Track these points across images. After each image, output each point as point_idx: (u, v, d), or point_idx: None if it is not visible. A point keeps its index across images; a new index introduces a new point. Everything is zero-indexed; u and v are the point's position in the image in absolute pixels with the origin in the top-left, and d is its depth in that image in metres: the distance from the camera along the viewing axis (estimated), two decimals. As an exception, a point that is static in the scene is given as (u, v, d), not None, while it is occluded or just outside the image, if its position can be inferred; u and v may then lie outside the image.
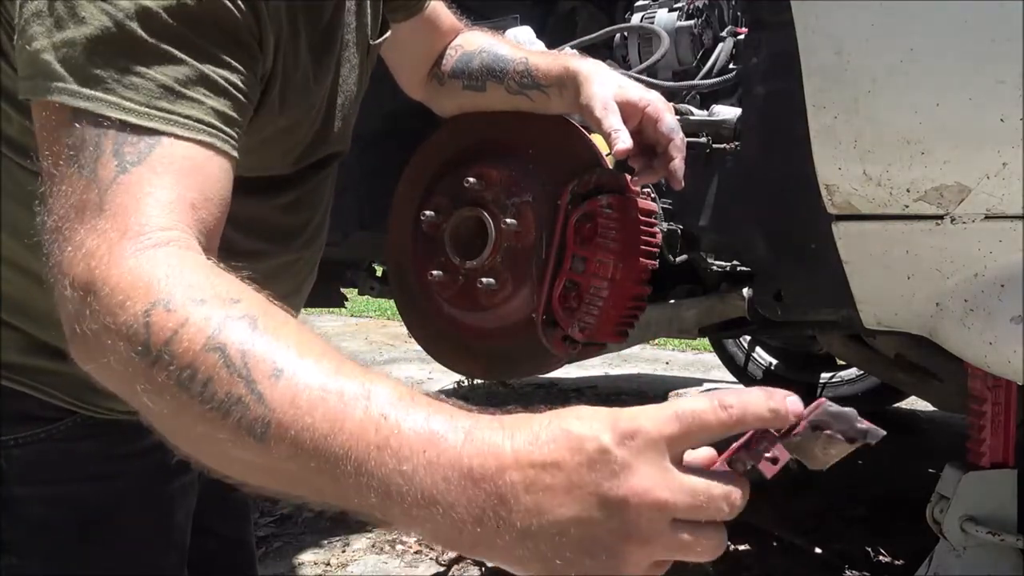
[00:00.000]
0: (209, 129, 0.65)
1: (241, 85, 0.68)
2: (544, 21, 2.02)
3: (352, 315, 6.18)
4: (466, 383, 3.98)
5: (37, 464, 0.82)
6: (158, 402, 0.54)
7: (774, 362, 3.49)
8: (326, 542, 2.33)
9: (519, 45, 1.14)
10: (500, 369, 1.26)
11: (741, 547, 2.24)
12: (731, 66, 1.51)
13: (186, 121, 0.64)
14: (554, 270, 1.10)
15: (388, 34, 0.99)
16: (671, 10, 1.64)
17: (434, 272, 1.16)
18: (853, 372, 3.29)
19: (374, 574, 2.15)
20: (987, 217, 1.08)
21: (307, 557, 2.24)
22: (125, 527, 0.86)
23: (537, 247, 1.11)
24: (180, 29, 0.64)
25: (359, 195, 1.82)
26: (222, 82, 0.66)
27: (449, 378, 3.94)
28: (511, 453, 0.51)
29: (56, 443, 0.82)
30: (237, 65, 0.68)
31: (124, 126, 0.62)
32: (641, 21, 1.65)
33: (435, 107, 1.19)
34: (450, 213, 1.17)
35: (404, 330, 1.36)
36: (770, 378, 3.49)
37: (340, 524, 2.44)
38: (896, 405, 3.40)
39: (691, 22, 1.60)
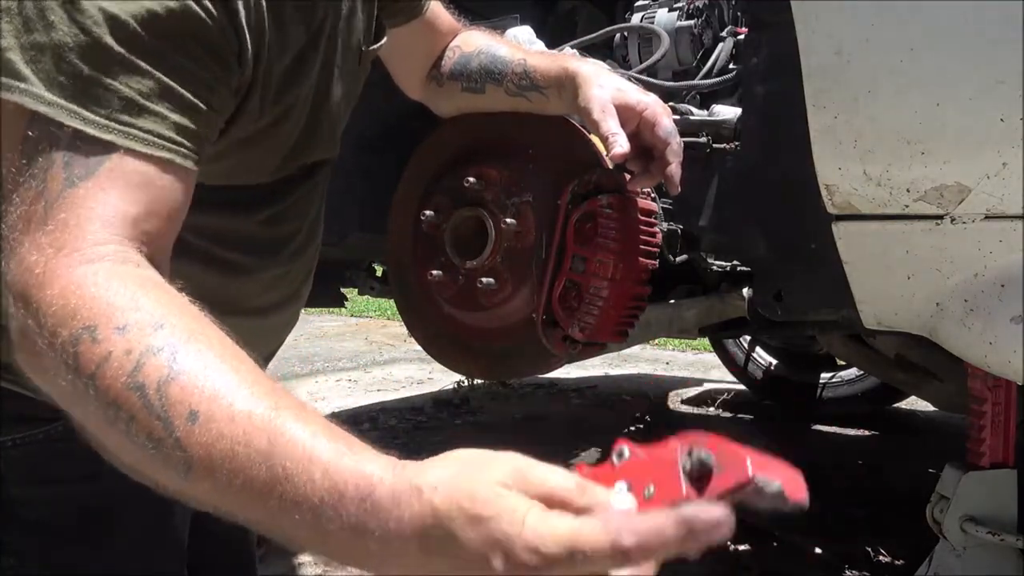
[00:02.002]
0: (168, 144, 0.65)
1: (210, 98, 0.68)
2: (544, 21, 2.02)
3: (352, 315, 6.18)
4: (466, 383, 3.98)
5: (35, 465, 0.82)
6: (87, 421, 0.57)
7: (774, 362, 3.49)
8: (326, 542, 2.32)
9: (518, 46, 1.14)
10: (500, 369, 1.26)
11: (741, 547, 2.24)
12: (731, 66, 1.51)
13: (145, 136, 0.63)
14: (554, 270, 1.10)
15: (384, 41, 0.99)
16: (671, 10, 1.64)
17: (434, 272, 1.16)
18: (853, 372, 3.29)
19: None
20: (987, 217, 1.08)
21: (307, 557, 2.24)
22: (123, 527, 0.86)
23: (537, 247, 1.11)
24: (150, 40, 0.64)
25: (359, 196, 1.82)
26: (188, 96, 0.66)
27: (449, 378, 3.94)
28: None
29: (54, 443, 0.82)
30: (207, 77, 0.67)
31: (78, 136, 0.62)
32: (641, 21, 1.65)
33: (433, 108, 1.19)
34: (450, 213, 1.17)
35: (404, 330, 1.36)
36: (770, 378, 3.50)
37: (340, 524, 2.44)
38: (896, 405, 3.40)
39: (691, 22, 1.60)
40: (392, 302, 1.88)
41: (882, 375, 2.45)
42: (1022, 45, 0.98)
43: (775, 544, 2.26)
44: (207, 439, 0.52)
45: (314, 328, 5.85)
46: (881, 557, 2.15)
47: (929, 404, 2.56)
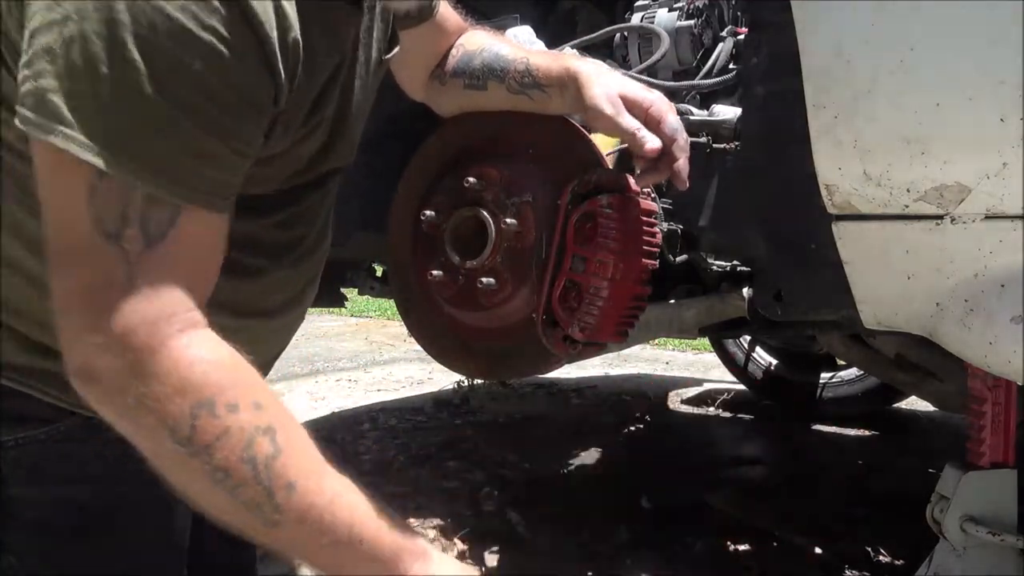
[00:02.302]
0: (213, 198, 0.70)
1: (247, 147, 0.72)
2: (544, 21, 2.02)
3: (352, 315, 6.18)
4: (466, 383, 3.98)
5: (36, 465, 0.82)
6: (182, 475, 0.69)
7: (774, 362, 3.49)
8: (326, 542, 2.32)
9: (520, 45, 1.15)
10: (500, 369, 1.26)
11: (741, 547, 2.24)
12: (731, 66, 1.51)
13: (192, 194, 0.68)
14: (554, 270, 1.10)
15: (397, 48, 0.99)
16: (671, 10, 1.64)
17: (434, 272, 1.16)
18: (853, 372, 3.29)
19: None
20: (987, 217, 1.08)
21: (307, 557, 2.24)
22: (124, 528, 0.86)
23: (537, 247, 1.11)
24: (196, 97, 0.66)
25: (360, 195, 1.82)
26: (228, 152, 0.70)
27: (449, 378, 3.94)
28: None
29: (55, 444, 0.82)
30: (245, 126, 0.71)
31: (150, 198, 0.66)
32: (641, 21, 1.65)
33: (435, 107, 1.18)
34: (450, 213, 1.17)
35: (404, 330, 1.36)
36: (770, 378, 3.50)
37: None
38: (896, 405, 3.40)
39: (691, 22, 1.60)
40: (392, 302, 1.88)
41: (882, 375, 2.45)
42: (1022, 45, 0.98)
43: (775, 544, 2.26)
44: (301, 506, 0.70)
45: (314, 328, 5.85)
46: (881, 557, 2.15)
47: (929, 404, 2.56)
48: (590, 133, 1.12)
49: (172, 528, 0.92)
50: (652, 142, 0.98)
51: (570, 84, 1.03)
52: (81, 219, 0.66)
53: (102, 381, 0.68)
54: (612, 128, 1.00)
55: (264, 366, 0.98)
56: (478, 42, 1.12)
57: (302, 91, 0.77)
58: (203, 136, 0.68)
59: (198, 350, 0.68)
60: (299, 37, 0.73)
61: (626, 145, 1.31)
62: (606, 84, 1.01)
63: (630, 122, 0.99)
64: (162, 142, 0.66)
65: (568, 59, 1.06)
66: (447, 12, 1.10)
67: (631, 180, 1.08)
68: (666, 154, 1.01)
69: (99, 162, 0.64)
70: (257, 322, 0.92)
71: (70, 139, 0.64)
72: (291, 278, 0.95)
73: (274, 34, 0.69)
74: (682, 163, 1.01)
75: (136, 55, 0.64)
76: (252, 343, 0.90)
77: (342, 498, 0.73)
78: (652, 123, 1.01)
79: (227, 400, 0.68)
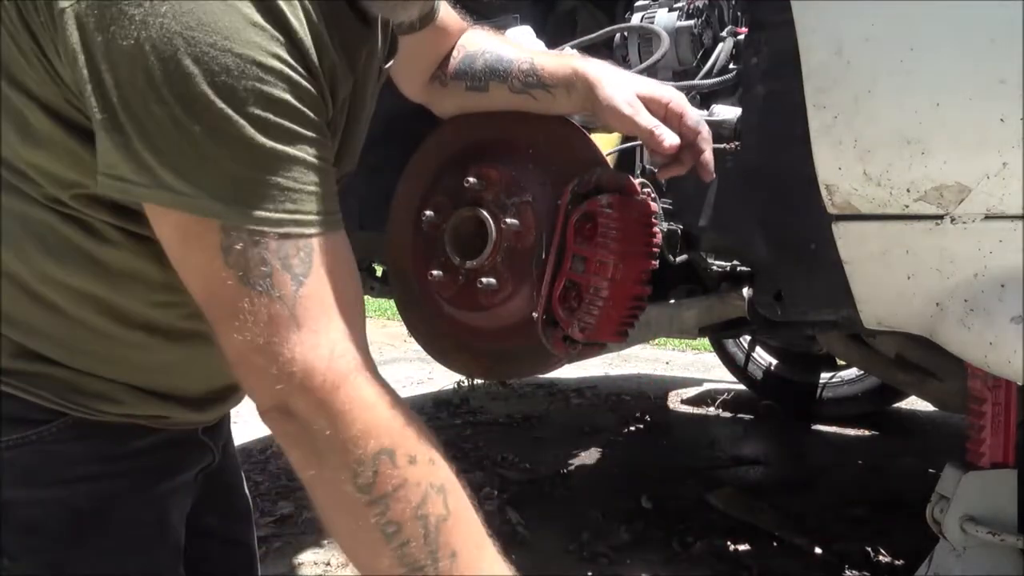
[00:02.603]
0: (329, 217, 0.71)
1: (330, 158, 0.73)
2: (544, 21, 2.02)
3: (352, 315, 6.17)
4: (466, 383, 3.98)
5: (29, 467, 0.82)
6: (352, 523, 0.69)
7: (774, 362, 3.49)
8: (326, 542, 2.32)
9: (523, 46, 1.14)
10: (500, 369, 1.26)
11: (741, 547, 2.24)
12: (731, 66, 1.51)
13: (313, 218, 0.69)
14: (554, 270, 1.10)
15: (397, 55, 1.00)
16: (671, 10, 1.64)
17: (434, 272, 1.16)
18: (853, 372, 3.29)
19: (374, 574, 2.15)
20: (987, 217, 1.08)
21: (307, 557, 2.24)
22: (118, 528, 0.86)
23: (537, 247, 1.11)
24: (288, 126, 0.67)
25: (359, 195, 1.82)
26: (324, 165, 0.71)
27: (449, 378, 3.94)
28: None
29: (47, 445, 0.82)
30: (325, 141, 0.72)
31: (284, 237, 0.67)
32: (641, 21, 1.65)
33: (435, 108, 1.18)
34: (450, 213, 1.17)
35: (404, 330, 1.36)
36: (770, 378, 3.50)
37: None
38: (896, 405, 3.40)
39: (691, 22, 1.60)
40: (392, 302, 1.89)
41: (882, 375, 2.45)
42: (1022, 45, 0.98)
43: (775, 544, 2.26)
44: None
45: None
46: (881, 557, 2.15)
47: (929, 404, 2.56)
48: (590, 133, 1.12)
49: (167, 527, 0.92)
50: (671, 139, 0.99)
51: (579, 84, 1.03)
52: (227, 278, 0.67)
53: (297, 418, 0.69)
54: (631, 127, 1.00)
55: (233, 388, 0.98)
56: (480, 43, 1.12)
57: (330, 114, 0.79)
58: (311, 163, 0.69)
59: (372, 392, 0.70)
60: (334, 60, 0.74)
61: (626, 145, 1.31)
62: (621, 84, 1.01)
63: (648, 120, 0.99)
64: (277, 181, 0.67)
65: (575, 60, 1.06)
66: (447, 14, 1.10)
67: (631, 180, 1.08)
68: (690, 147, 1.02)
69: (224, 219, 0.65)
70: None
71: (189, 201, 0.65)
72: None
73: (313, 53, 0.70)
74: (708, 154, 1.02)
75: (218, 102, 0.63)
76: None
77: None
78: (673, 118, 1.01)
79: (407, 451, 0.69)
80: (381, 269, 2.31)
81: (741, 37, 1.45)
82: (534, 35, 1.48)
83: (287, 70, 0.66)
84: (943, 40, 1.03)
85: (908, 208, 1.12)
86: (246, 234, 0.66)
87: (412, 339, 1.31)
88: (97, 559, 0.84)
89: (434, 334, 1.27)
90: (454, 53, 1.12)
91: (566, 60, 1.06)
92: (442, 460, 0.72)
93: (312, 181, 0.69)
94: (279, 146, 0.66)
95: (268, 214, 0.66)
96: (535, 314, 1.10)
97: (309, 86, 0.69)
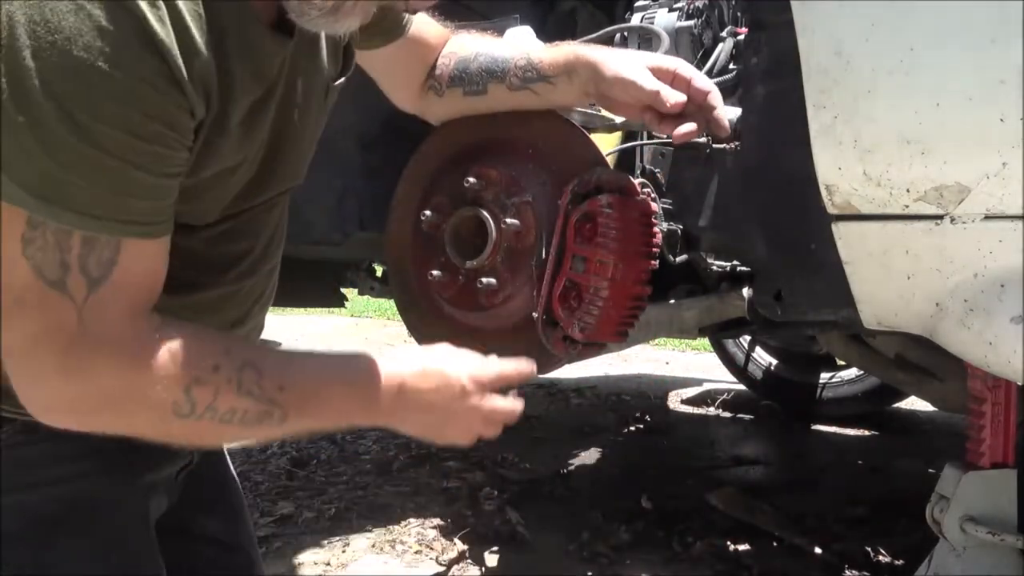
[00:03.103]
0: (149, 228, 0.73)
1: (175, 168, 0.74)
2: (544, 21, 2.02)
3: (352, 315, 6.18)
4: (466, 383, 3.97)
5: None
6: (196, 436, 0.80)
7: (774, 362, 3.49)
8: (326, 542, 2.33)
9: (515, 45, 1.14)
10: (500, 369, 1.26)
11: (741, 547, 2.24)
12: (731, 66, 1.51)
13: (127, 228, 0.70)
14: (554, 270, 1.10)
15: (379, 70, 1.03)
16: (671, 10, 1.64)
17: (434, 272, 1.16)
18: (853, 372, 3.29)
19: (374, 574, 2.15)
20: (987, 217, 1.08)
21: (307, 557, 2.24)
22: (91, 528, 0.86)
23: (537, 247, 1.11)
24: (116, 133, 0.67)
25: (359, 195, 1.82)
26: (157, 179, 0.71)
27: (449, 378, 3.93)
28: (408, 381, 0.86)
29: (6, 451, 0.81)
30: (169, 151, 0.72)
31: (84, 239, 0.68)
32: (641, 21, 1.65)
33: (432, 118, 1.18)
34: (450, 213, 1.17)
35: (404, 330, 1.36)
36: (770, 378, 3.50)
37: (340, 524, 2.45)
38: (896, 405, 3.40)
39: (691, 22, 1.60)
40: (392, 302, 1.89)
41: (882, 375, 2.45)
42: (1022, 45, 0.98)
43: (775, 544, 2.26)
44: (296, 398, 0.79)
45: (314, 328, 5.84)
46: (881, 557, 2.15)
47: (929, 404, 2.56)
48: (590, 133, 1.12)
49: (137, 526, 0.91)
50: (676, 97, 1.00)
51: (580, 69, 1.03)
52: (22, 269, 0.68)
53: (79, 411, 0.73)
54: (636, 92, 1.00)
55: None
56: (471, 47, 1.12)
57: (225, 116, 0.77)
58: (131, 170, 0.68)
59: (163, 344, 0.73)
60: (209, 60, 0.73)
61: (627, 145, 1.32)
62: (626, 57, 1.02)
63: (653, 83, 1.00)
64: (89, 184, 0.67)
65: (573, 46, 1.06)
66: (425, 24, 1.10)
67: (631, 180, 1.08)
68: (702, 106, 1.03)
69: (30, 211, 0.66)
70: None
71: (11, 196, 0.66)
72: (234, 296, 0.93)
73: (179, 58, 0.69)
74: (720, 111, 1.03)
75: (45, 100, 0.64)
76: None
77: (320, 372, 0.84)
78: (681, 83, 1.02)
79: (207, 366, 0.75)
80: (381, 269, 2.31)
81: (741, 37, 1.45)
82: (534, 35, 1.48)
83: (129, 79, 0.66)
84: (943, 40, 1.03)
85: (908, 208, 1.12)
86: (51, 230, 0.67)
87: (412, 339, 1.31)
88: (72, 559, 0.84)
89: (434, 334, 1.26)
90: (445, 61, 1.12)
91: (564, 48, 1.06)
92: (235, 341, 0.83)
93: (131, 188, 0.69)
94: (100, 152, 0.66)
95: (74, 212, 0.67)
96: (535, 314, 1.10)
97: (156, 93, 0.68)
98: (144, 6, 0.66)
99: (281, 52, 0.83)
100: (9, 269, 0.68)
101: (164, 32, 0.68)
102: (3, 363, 0.72)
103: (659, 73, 1.02)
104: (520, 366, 0.93)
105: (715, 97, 1.03)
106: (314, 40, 0.89)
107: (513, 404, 0.91)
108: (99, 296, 0.70)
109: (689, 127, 1.02)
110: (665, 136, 1.05)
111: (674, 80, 1.02)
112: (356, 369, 0.85)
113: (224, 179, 0.83)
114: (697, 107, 1.03)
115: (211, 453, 1.08)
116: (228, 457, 1.15)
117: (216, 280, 0.90)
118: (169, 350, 0.74)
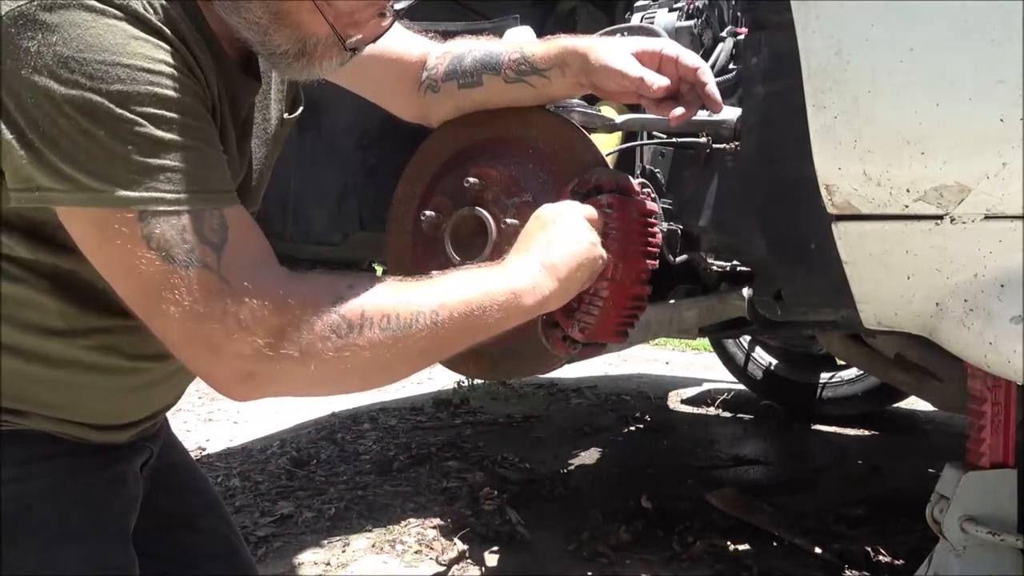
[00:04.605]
0: (229, 193, 0.80)
1: (219, 144, 0.81)
2: (544, 21, 2.02)
3: (352, 315, 6.17)
4: (466, 383, 3.98)
5: None
6: (373, 357, 0.80)
7: (774, 362, 3.49)
8: (326, 542, 2.33)
9: (509, 41, 1.15)
10: (500, 369, 1.26)
11: (741, 547, 2.24)
12: (731, 66, 1.51)
13: (217, 194, 0.77)
14: (554, 270, 1.09)
15: (301, 109, 1.08)
16: (671, 10, 1.64)
17: (434, 272, 1.16)
18: (853, 372, 3.29)
19: (374, 574, 2.15)
20: (987, 217, 1.08)
21: (307, 557, 2.24)
22: (51, 524, 0.87)
23: (537, 247, 1.10)
24: (179, 119, 0.74)
25: (359, 195, 1.82)
26: (214, 150, 0.79)
27: (449, 378, 3.94)
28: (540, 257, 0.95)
29: None
30: (213, 129, 0.80)
31: (192, 214, 0.74)
32: (641, 21, 1.65)
33: (431, 119, 1.19)
34: (450, 213, 1.17)
35: (404, 330, 1.36)
36: (770, 378, 3.50)
37: (340, 524, 2.45)
38: (896, 405, 3.40)
39: (691, 22, 1.60)
40: (392, 302, 1.89)
41: (882, 375, 2.45)
42: (1022, 45, 0.98)
43: (775, 544, 2.26)
44: (452, 310, 0.85)
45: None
46: (881, 557, 2.15)
47: (929, 404, 2.56)
48: (590, 133, 1.12)
49: (108, 514, 0.93)
50: (660, 80, 1.00)
51: (571, 60, 1.03)
52: (152, 263, 0.72)
53: (262, 363, 0.75)
54: (621, 80, 1.01)
55: (158, 411, 1.01)
56: (466, 46, 1.13)
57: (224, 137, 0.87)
58: (204, 148, 0.76)
59: (300, 281, 0.79)
60: (212, 74, 0.82)
61: (627, 145, 1.31)
62: (613, 45, 1.03)
63: (638, 69, 1.00)
64: (180, 166, 0.73)
65: (563, 39, 1.06)
66: (401, 40, 1.12)
67: (631, 180, 1.08)
68: (693, 83, 1.03)
69: (141, 206, 0.72)
70: (155, 364, 0.94)
71: (104, 196, 0.71)
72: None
73: (195, 60, 0.79)
74: (711, 87, 1.03)
75: (118, 109, 0.71)
76: (146, 386, 0.94)
77: (464, 286, 0.88)
78: (668, 63, 1.02)
79: (343, 284, 0.81)
80: (381, 269, 2.31)
81: (741, 37, 1.45)
82: (534, 35, 1.48)
83: (172, 70, 0.74)
84: (943, 40, 1.03)
85: (908, 208, 1.12)
86: (162, 217, 0.72)
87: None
88: (35, 554, 0.85)
89: (434, 334, 1.26)
90: (438, 60, 1.13)
91: (556, 41, 1.07)
92: (381, 281, 0.84)
93: (208, 163, 0.77)
94: (175, 137, 0.73)
95: (178, 195, 0.73)
96: (535, 314, 1.10)
97: (192, 83, 0.77)
98: (157, 21, 0.75)
99: (251, 93, 0.92)
100: (138, 272, 0.73)
101: (176, 38, 0.77)
102: (180, 359, 0.77)
103: (645, 57, 1.02)
104: None
105: (704, 72, 1.03)
106: (267, 79, 0.98)
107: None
108: (228, 256, 0.75)
109: (683, 109, 1.02)
110: (666, 117, 1.05)
111: (661, 62, 1.02)
112: (510, 275, 0.92)
113: None
114: (689, 86, 1.03)
115: (167, 443, 1.11)
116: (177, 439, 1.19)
117: None
118: (306, 282, 0.79)
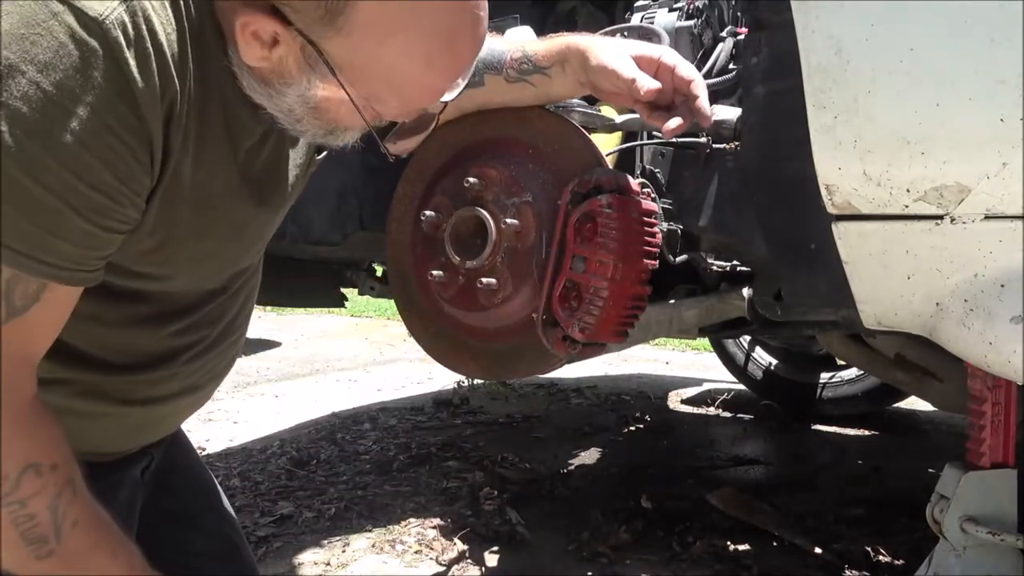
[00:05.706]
0: (77, 274, 0.71)
1: (121, 224, 0.72)
2: (544, 21, 2.02)
3: (352, 315, 6.18)
4: (466, 383, 3.98)
5: None
6: None
7: (774, 362, 3.49)
8: (326, 542, 2.33)
9: (511, 40, 1.15)
10: (500, 369, 1.26)
11: (741, 547, 2.24)
12: (731, 66, 1.51)
13: (57, 273, 0.69)
14: (554, 270, 1.10)
15: (324, 154, 1.03)
16: (671, 10, 1.64)
17: (434, 272, 1.16)
18: (853, 372, 3.29)
19: (374, 574, 2.15)
20: (987, 217, 1.08)
21: (307, 557, 2.24)
22: None
23: (537, 247, 1.11)
24: (63, 175, 0.65)
25: (360, 195, 1.82)
26: (98, 230, 0.70)
27: (449, 378, 3.94)
28: None
29: None
30: (118, 208, 0.71)
31: (13, 275, 0.67)
32: (641, 21, 1.65)
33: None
34: (450, 213, 1.17)
35: (404, 330, 1.36)
36: (770, 378, 3.50)
37: (340, 524, 2.45)
38: (896, 405, 3.40)
39: (691, 22, 1.60)
40: (392, 302, 1.89)
41: (882, 375, 2.45)
42: (1022, 45, 0.98)
43: (775, 544, 2.26)
44: (76, 543, 0.77)
45: (314, 328, 5.85)
46: (881, 557, 2.15)
47: (929, 404, 2.56)
48: (590, 133, 1.12)
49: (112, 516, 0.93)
50: (650, 83, 1.00)
51: (572, 58, 1.03)
52: None
53: None
54: (613, 80, 1.01)
55: (156, 441, 1.01)
56: None
57: (201, 190, 0.78)
58: (67, 212, 0.67)
59: (36, 413, 0.74)
60: (184, 121, 0.72)
61: (627, 145, 1.31)
62: (612, 46, 1.03)
63: (631, 71, 1.00)
64: (26, 222, 0.66)
65: (566, 37, 1.06)
66: None
67: (631, 180, 1.08)
68: (687, 95, 1.03)
69: None
70: (143, 409, 0.94)
71: None
72: (188, 373, 0.96)
73: (155, 110, 0.69)
74: (703, 100, 1.03)
75: (3, 130, 0.62)
76: (139, 426, 0.94)
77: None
78: (665, 72, 1.02)
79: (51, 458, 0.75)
80: (381, 269, 2.31)
81: (741, 37, 1.45)
82: (534, 35, 1.48)
83: (93, 121, 0.65)
84: (943, 40, 1.03)
85: (908, 208, 1.12)
86: None
87: (412, 339, 1.32)
88: None
89: (434, 334, 1.27)
90: None
91: (558, 39, 1.07)
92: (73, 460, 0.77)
93: (63, 232, 0.68)
94: (39, 187, 0.65)
95: (11, 252, 0.66)
96: (535, 314, 1.10)
97: (119, 144, 0.67)
98: (128, 54, 0.66)
99: (255, 132, 0.84)
100: None
101: (143, 81, 0.67)
102: None
103: (643, 62, 1.02)
104: None
105: (697, 86, 1.03)
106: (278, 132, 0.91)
107: None
108: (12, 326, 0.69)
109: (676, 121, 1.02)
110: (660, 129, 1.05)
111: (659, 69, 1.03)
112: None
113: (215, 254, 0.86)
114: (683, 96, 1.03)
115: (174, 442, 1.11)
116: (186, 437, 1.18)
117: (170, 364, 0.92)
118: (36, 419, 0.74)
